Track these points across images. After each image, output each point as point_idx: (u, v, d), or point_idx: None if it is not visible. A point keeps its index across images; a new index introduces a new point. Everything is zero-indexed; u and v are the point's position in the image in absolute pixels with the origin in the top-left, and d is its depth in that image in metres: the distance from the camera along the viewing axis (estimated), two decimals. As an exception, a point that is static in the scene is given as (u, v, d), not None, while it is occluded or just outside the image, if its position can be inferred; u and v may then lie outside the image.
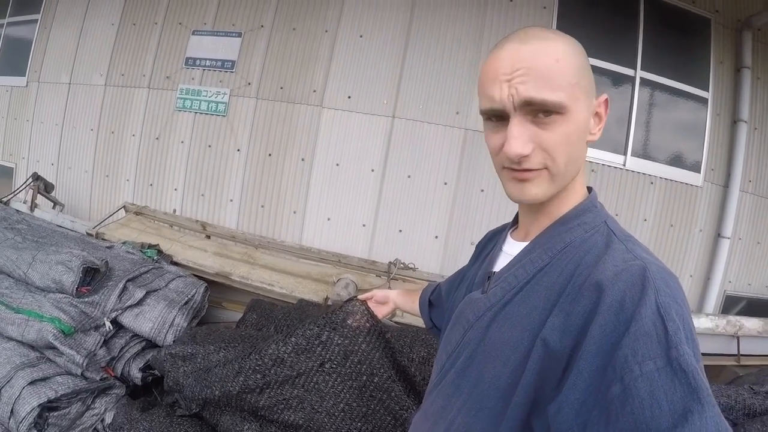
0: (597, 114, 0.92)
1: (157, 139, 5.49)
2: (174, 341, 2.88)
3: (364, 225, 4.97)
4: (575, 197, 0.95)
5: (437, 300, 1.51)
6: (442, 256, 4.90)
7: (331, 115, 5.00)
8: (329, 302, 3.35)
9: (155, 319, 2.94)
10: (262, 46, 5.20)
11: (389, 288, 3.62)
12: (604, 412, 0.63)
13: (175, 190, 5.41)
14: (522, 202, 0.91)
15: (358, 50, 5.00)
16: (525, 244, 0.98)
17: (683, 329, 0.65)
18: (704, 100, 5.20)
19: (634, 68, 4.98)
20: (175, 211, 5.33)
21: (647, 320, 0.66)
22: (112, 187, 5.73)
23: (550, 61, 0.80)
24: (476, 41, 4.89)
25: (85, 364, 2.63)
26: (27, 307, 2.81)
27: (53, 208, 5.09)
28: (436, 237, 4.91)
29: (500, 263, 1.03)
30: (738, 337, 3.68)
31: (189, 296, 3.21)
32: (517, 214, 1.10)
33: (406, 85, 4.91)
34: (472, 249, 1.32)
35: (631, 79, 4.99)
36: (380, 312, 1.86)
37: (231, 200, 5.24)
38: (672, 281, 0.73)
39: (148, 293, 3.04)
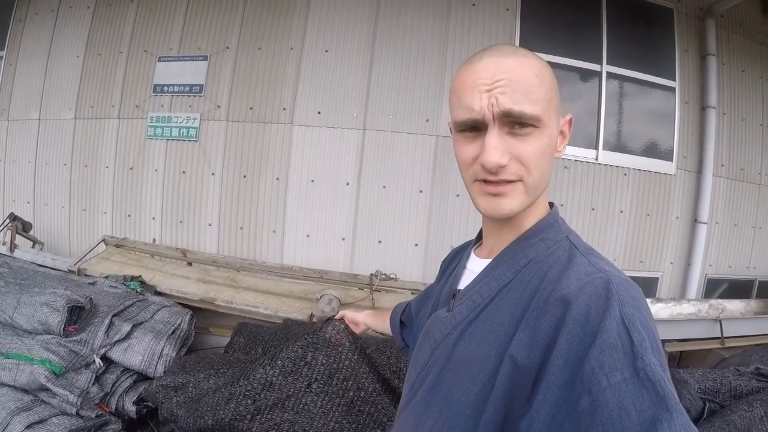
0: (562, 132, 0.94)
1: (131, 169, 5.45)
2: (164, 372, 2.89)
3: (343, 239, 4.96)
4: (538, 213, 0.96)
5: (408, 319, 1.50)
6: (422, 264, 4.91)
7: (303, 131, 4.99)
8: (314, 319, 3.37)
9: (144, 351, 2.96)
10: (228, 68, 5.18)
11: (372, 300, 3.65)
12: (574, 425, 0.64)
13: (153, 219, 5.37)
14: (496, 217, 0.90)
15: (325, 65, 5.00)
16: (488, 261, 0.98)
17: (648, 339, 0.67)
18: (672, 90, 5.29)
19: (600, 63, 5.05)
20: (154, 240, 5.29)
21: (612, 332, 0.67)
22: (90, 220, 5.67)
23: (531, 74, 0.82)
24: (441, 47, 4.93)
25: (79, 403, 2.65)
26: (16, 351, 2.80)
27: (33, 247, 5.05)
28: (416, 245, 4.92)
29: (464, 281, 1.04)
30: (720, 321, 3.73)
31: (175, 325, 3.22)
32: (480, 231, 1.11)
33: (375, 97, 4.92)
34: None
35: (597, 74, 5.05)
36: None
37: (209, 225, 5.21)
38: (635, 292, 0.74)
39: (134, 326, 3.07)
